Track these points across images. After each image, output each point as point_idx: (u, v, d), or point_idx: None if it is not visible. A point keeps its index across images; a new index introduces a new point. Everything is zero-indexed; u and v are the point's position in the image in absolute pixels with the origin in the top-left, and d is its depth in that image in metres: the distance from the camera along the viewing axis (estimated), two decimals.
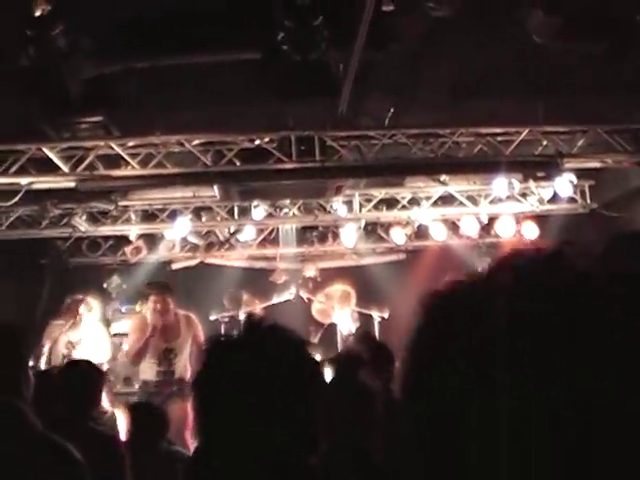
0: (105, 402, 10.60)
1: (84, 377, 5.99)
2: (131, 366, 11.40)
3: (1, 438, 3.51)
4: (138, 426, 6.95)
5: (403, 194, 13.37)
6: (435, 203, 13.08)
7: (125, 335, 12.51)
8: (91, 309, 11.47)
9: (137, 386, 12.41)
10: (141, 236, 13.64)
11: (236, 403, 2.28)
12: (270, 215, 13.42)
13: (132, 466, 6.13)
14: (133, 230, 13.44)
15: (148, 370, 10.74)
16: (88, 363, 6.63)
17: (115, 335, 12.99)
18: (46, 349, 10.96)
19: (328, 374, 5.17)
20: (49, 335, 11.18)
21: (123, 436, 10.29)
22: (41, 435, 3.63)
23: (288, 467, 2.30)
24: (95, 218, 13.10)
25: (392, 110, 10.61)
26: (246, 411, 2.26)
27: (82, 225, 12.79)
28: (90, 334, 11.38)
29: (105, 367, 11.62)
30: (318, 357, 9.10)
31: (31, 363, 9.45)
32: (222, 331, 11.88)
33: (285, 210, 13.54)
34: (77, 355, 11.01)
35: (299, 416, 2.31)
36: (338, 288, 13.66)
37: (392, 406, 3.67)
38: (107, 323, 13.03)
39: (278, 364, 2.32)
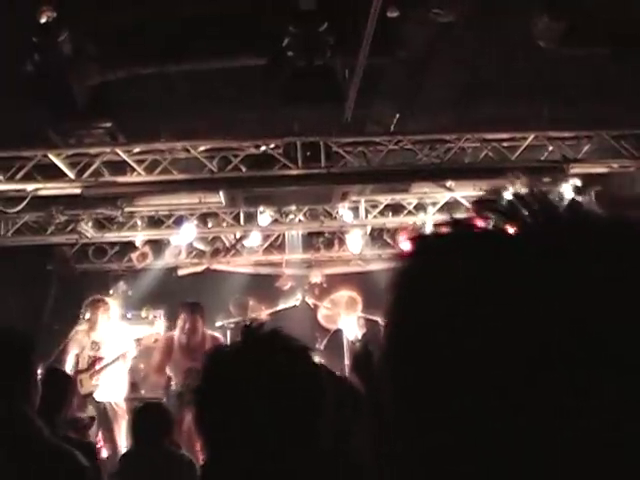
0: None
1: (52, 383, 5.98)
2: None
3: (7, 444, 3.52)
4: (142, 426, 6.96)
5: (409, 200, 13.36)
6: (441, 209, 13.05)
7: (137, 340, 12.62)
8: (108, 309, 11.49)
9: (143, 392, 12.46)
10: (147, 242, 13.64)
11: (237, 414, 2.27)
12: (276, 221, 13.41)
13: (135, 466, 6.14)
14: (139, 236, 13.44)
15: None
16: (57, 370, 6.62)
17: None
18: (72, 355, 11.03)
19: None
20: (75, 341, 11.25)
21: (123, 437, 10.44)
22: (47, 441, 3.64)
23: (295, 473, 2.29)
24: (101, 224, 13.10)
25: (398, 116, 10.60)
26: (248, 421, 2.25)
27: (88, 231, 12.80)
28: (111, 333, 11.41)
29: (130, 364, 11.76)
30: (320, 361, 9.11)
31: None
32: (228, 337, 11.91)
33: (291, 216, 13.53)
34: (103, 355, 11.10)
35: (303, 422, 2.30)
36: (344, 294, 13.66)
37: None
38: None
39: (278, 371, 2.31)
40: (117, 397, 11.12)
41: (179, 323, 11.01)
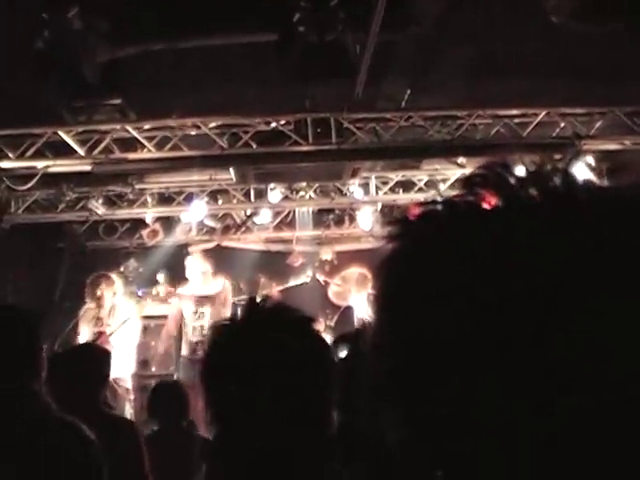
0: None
1: (89, 359, 5.97)
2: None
3: (15, 420, 3.53)
4: (158, 406, 6.98)
5: (420, 177, 13.33)
6: (452, 185, 13.01)
7: (146, 317, 12.67)
8: (112, 285, 11.51)
9: (154, 369, 12.48)
10: (158, 219, 13.64)
11: (243, 388, 2.26)
12: (286, 198, 13.41)
13: (152, 445, 6.14)
14: (149, 213, 13.44)
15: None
16: (92, 346, 6.62)
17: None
18: (83, 335, 11.08)
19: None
20: (85, 319, 11.30)
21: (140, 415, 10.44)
22: (55, 416, 3.65)
23: (302, 448, 2.28)
24: (111, 201, 13.10)
25: (409, 92, 10.56)
26: (254, 395, 2.24)
27: (99, 208, 12.80)
28: (115, 309, 11.43)
29: (137, 341, 11.82)
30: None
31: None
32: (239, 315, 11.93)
33: (301, 193, 13.52)
34: (108, 331, 11.15)
35: (309, 395, 2.29)
36: (355, 271, 13.65)
37: None
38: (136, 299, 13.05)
39: (282, 344, 2.30)
40: (122, 373, 11.12)
41: None
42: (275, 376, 2.23)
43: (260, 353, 2.27)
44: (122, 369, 11.16)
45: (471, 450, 0.89)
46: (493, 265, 0.88)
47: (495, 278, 0.87)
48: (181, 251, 14.14)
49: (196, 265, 11.76)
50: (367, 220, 13.82)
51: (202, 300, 11.56)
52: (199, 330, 11.37)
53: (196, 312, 11.46)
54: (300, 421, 2.26)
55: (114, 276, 11.93)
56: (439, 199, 0.98)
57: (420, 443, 0.94)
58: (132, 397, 11.23)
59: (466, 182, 0.98)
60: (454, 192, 0.99)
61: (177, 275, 13.37)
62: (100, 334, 11.07)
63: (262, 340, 2.30)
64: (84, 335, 11.15)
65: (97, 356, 6.11)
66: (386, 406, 0.98)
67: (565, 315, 0.84)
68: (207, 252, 13.33)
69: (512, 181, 0.95)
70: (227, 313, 10.82)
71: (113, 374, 10.87)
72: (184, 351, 11.41)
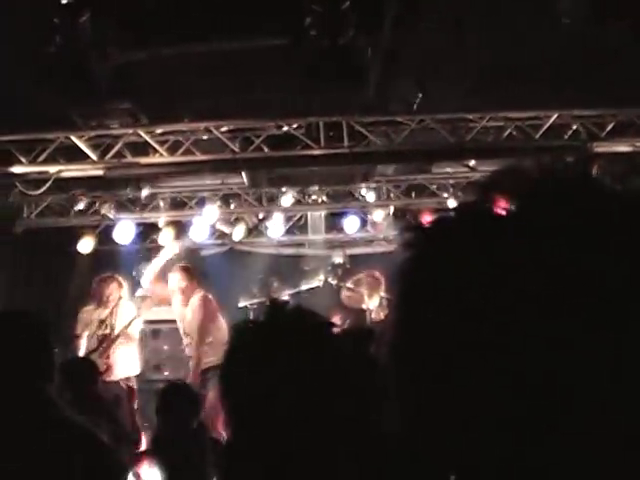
0: None
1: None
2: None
3: (27, 422, 3.54)
4: (169, 407, 6.98)
5: (431, 180, 13.32)
6: (464, 189, 13.00)
7: (155, 322, 12.66)
8: (118, 287, 11.48)
9: (166, 373, 12.48)
10: (170, 223, 13.64)
11: (261, 390, 2.26)
12: (298, 202, 13.41)
13: (163, 447, 6.16)
14: (162, 218, 13.45)
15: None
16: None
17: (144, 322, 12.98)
18: (84, 339, 11.01)
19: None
20: (82, 323, 11.21)
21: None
22: (66, 418, 3.66)
23: (321, 450, 2.27)
24: (124, 206, 13.11)
25: (420, 95, 10.55)
26: (272, 396, 2.24)
27: (111, 213, 12.81)
28: (122, 311, 11.39)
29: (149, 345, 11.86)
30: None
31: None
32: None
33: (313, 197, 13.53)
34: (107, 332, 11.09)
35: (328, 399, 2.28)
36: (367, 275, 13.63)
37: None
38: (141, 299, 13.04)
39: (301, 346, 2.30)
40: (130, 372, 11.10)
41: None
42: (295, 379, 2.23)
43: (280, 356, 2.27)
44: (130, 369, 11.15)
45: (480, 448, 0.89)
46: (506, 270, 0.88)
47: (509, 282, 0.88)
48: (193, 255, 14.16)
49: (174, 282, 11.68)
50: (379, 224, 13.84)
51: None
52: None
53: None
54: (320, 424, 2.25)
55: (120, 279, 11.87)
56: (452, 205, 0.99)
57: (429, 441, 0.94)
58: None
59: (479, 187, 0.99)
60: (466, 196, 0.99)
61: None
62: (104, 338, 11.01)
63: (282, 343, 2.30)
64: (84, 340, 11.05)
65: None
66: (400, 405, 0.99)
67: (581, 319, 0.84)
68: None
69: (525, 186, 0.95)
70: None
71: (121, 374, 10.94)
72: None
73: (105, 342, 10.95)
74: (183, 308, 11.26)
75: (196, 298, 11.12)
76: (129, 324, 11.21)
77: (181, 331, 11.33)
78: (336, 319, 11.70)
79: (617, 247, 0.87)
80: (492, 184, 0.99)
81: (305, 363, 2.26)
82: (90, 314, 11.27)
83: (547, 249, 0.87)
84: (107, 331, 11.08)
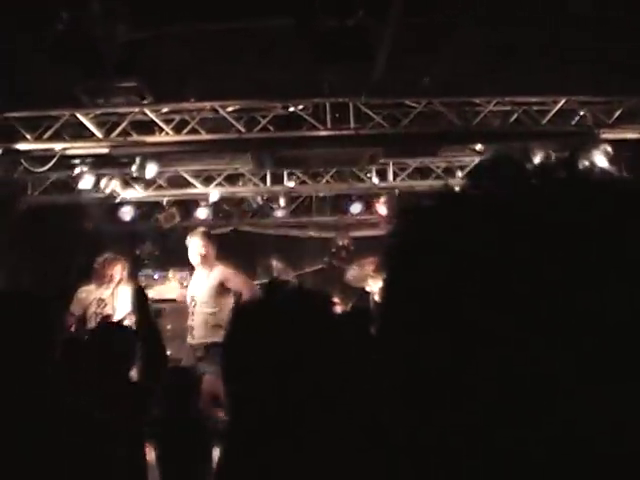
0: None
1: (120, 339, 5.97)
2: None
3: (28, 405, 3.54)
4: (168, 391, 6.97)
5: (437, 163, 13.31)
6: (470, 172, 12.96)
7: (158, 301, 12.63)
8: (125, 267, 11.46)
9: (169, 352, 12.47)
10: (174, 203, 13.64)
11: (261, 368, 2.25)
12: (303, 183, 13.39)
13: (161, 431, 6.15)
14: (166, 197, 13.44)
15: None
16: (119, 325, 6.62)
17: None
18: (75, 318, 10.93)
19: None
20: (80, 302, 11.17)
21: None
22: (67, 401, 3.66)
23: (318, 431, 2.27)
24: (128, 184, 13.11)
25: (428, 78, 10.52)
26: (272, 375, 2.23)
27: (115, 191, 12.81)
28: (122, 293, 11.38)
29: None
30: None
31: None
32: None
33: (318, 178, 13.51)
34: (111, 312, 11.04)
35: (328, 378, 2.27)
36: (371, 257, 13.63)
37: None
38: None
39: (301, 323, 2.29)
40: None
41: None
42: (296, 359, 2.22)
43: (281, 334, 2.26)
44: None
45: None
46: (498, 255, 0.88)
47: (501, 269, 0.87)
48: None
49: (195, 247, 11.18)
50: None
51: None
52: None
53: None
54: (320, 405, 2.25)
55: (124, 260, 11.83)
56: (449, 188, 0.99)
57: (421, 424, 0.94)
58: None
59: (475, 171, 0.99)
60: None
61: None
62: (105, 317, 10.98)
63: (283, 321, 2.29)
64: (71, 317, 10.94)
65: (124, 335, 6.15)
66: (389, 388, 0.99)
67: (575, 309, 0.84)
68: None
69: (520, 172, 0.95)
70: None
71: None
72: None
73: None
74: (205, 274, 10.88)
75: (223, 268, 10.69)
76: (129, 314, 11.23)
77: (196, 300, 10.56)
78: (337, 300, 11.75)
79: (620, 239, 0.86)
80: (487, 168, 0.99)
81: (306, 343, 2.25)
82: (90, 293, 11.24)
83: (541, 238, 0.87)
84: (109, 311, 11.07)
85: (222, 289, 10.25)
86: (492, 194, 0.93)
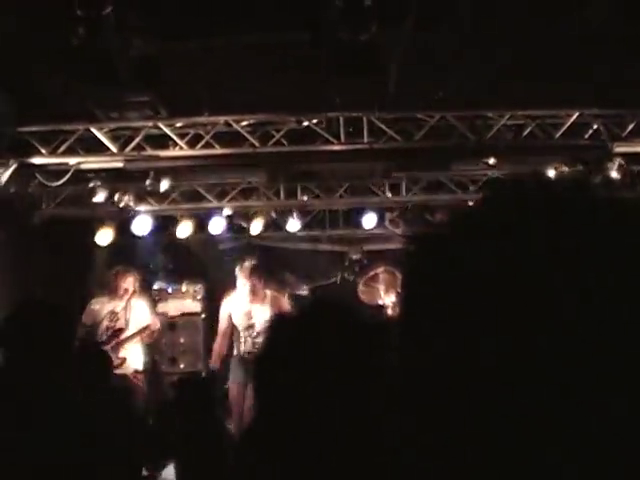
0: None
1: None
2: None
3: (42, 409, 3.57)
4: (184, 398, 7.00)
5: (450, 177, 13.29)
6: (482, 186, 12.96)
7: (164, 315, 12.68)
8: (132, 280, 11.49)
9: (182, 366, 12.53)
10: (188, 216, 13.65)
11: (296, 382, 2.26)
12: (317, 197, 13.39)
13: (179, 437, 6.17)
14: (180, 210, 13.46)
15: None
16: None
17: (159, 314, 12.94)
18: (85, 329, 10.92)
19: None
20: (92, 313, 11.19)
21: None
22: (81, 406, 3.69)
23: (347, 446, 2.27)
24: (142, 198, 13.12)
25: (441, 92, 10.53)
26: (306, 390, 2.24)
27: (129, 205, 12.82)
28: (136, 306, 11.40)
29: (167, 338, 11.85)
30: None
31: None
32: None
33: (332, 192, 13.51)
34: (120, 325, 11.06)
35: (359, 392, 2.28)
36: (384, 271, 13.63)
37: None
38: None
39: (342, 341, 2.29)
40: (137, 367, 11.11)
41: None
42: (330, 372, 2.23)
43: (316, 349, 2.26)
44: (139, 362, 11.16)
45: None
46: (513, 275, 0.89)
47: (516, 289, 0.89)
48: (211, 248, 14.18)
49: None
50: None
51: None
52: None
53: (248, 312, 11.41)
54: (350, 420, 2.25)
55: (137, 273, 11.87)
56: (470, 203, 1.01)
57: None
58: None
59: (491, 187, 1.01)
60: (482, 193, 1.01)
61: (205, 273, 13.44)
62: (116, 331, 11.01)
63: (319, 336, 2.30)
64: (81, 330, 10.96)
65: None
66: (404, 404, 1.01)
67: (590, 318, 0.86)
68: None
69: (537, 189, 0.97)
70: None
71: (134, 367, 10.95)
72: (236, 350, 11.36)
73: (117, 335, 10.95)
74: (252, 304, 11.37)
75: (271, 295, 11.32)
76: (145, 328, 11.28)
77: (245, 326, 11.32)
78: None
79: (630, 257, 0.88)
80: (504, 185, 1.01)
81: (344, 361, 2.26)
82: (103, 305, 11.28)
83: (555, 256, 0.89)
84: (122, 325, 11.09)
85: None
86: (505, 215, 0.95)
